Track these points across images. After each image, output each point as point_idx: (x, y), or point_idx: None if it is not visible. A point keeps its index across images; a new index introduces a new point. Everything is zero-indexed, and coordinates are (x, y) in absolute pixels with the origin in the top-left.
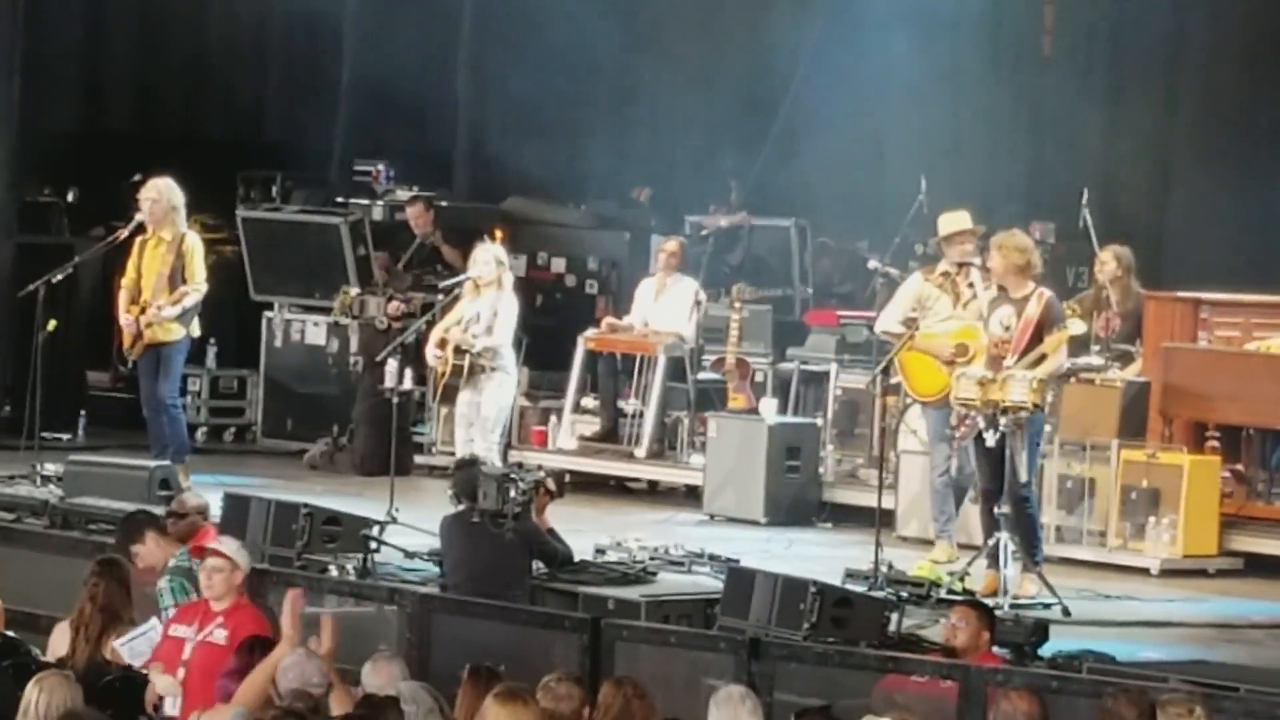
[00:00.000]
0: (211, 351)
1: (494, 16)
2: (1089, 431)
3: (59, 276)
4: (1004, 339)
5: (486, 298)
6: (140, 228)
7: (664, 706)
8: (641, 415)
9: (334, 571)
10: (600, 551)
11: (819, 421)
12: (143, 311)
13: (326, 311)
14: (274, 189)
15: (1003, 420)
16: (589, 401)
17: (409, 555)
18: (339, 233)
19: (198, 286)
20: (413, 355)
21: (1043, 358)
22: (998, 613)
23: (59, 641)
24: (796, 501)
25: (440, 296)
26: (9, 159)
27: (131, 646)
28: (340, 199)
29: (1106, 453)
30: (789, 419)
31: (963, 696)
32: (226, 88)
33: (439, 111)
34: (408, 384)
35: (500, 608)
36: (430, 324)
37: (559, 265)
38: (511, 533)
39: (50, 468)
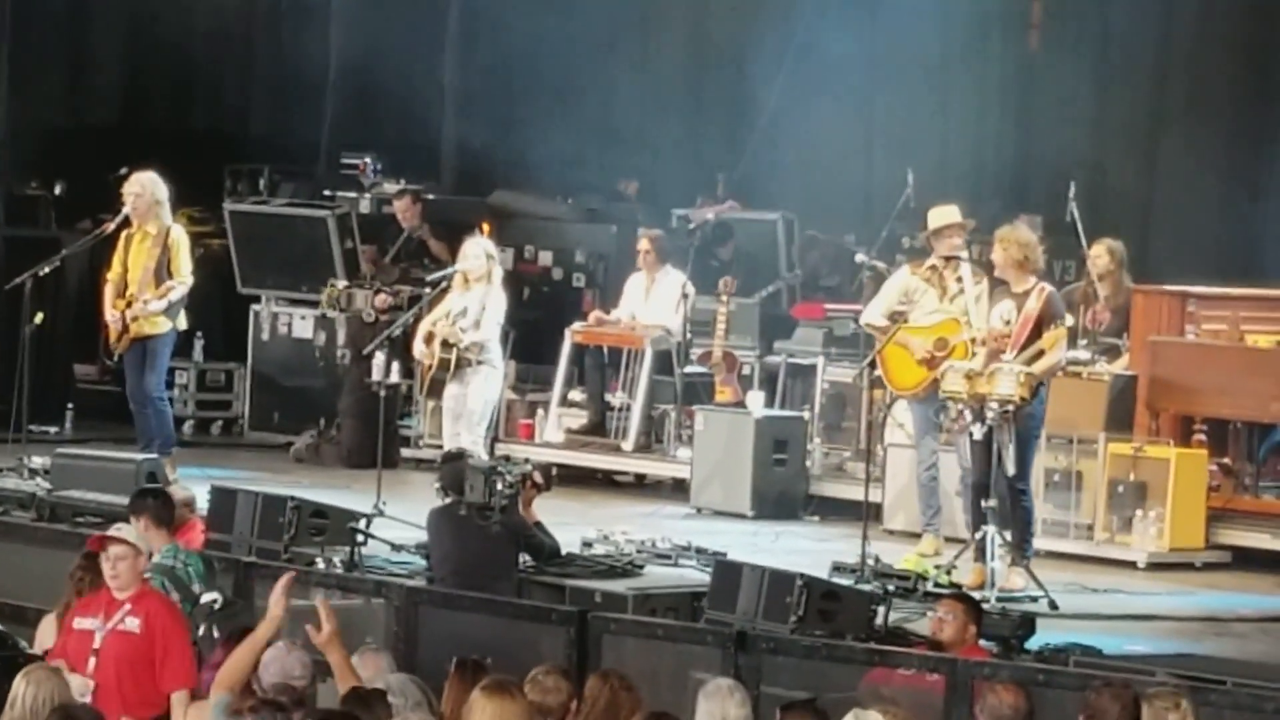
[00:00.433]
0: (199, 345)
1: (481, 10)
2: (1076, 425)
3: (46, 270)
4: (1003, 333)
5: (475, 292)
6: (126, 221)
7: (651, 699)
8: (628, 408)
9: (321, 564)
10: (587, 545)
11: (806, 415)
12: (129, 305)
13: (314, 305)
14: (261, 182)
15: (989, 413)
16: (576, 395)
17: (396, 548)
18: (326, 226)
19: (184, 280)
20: (400, 348)
21: (1040, 353)
22: (985, 606)
23: (46, 634)
24: (783, 495)
25: (427, 290)
26: None
27: None
28: (327, 192)
29: (1094, 446)
30: (776, 412)
31: (949, 690)
32: (213, 81)
33: (426, 105)
34: (395, 377)
35: (487, 601)
36: (418, 317)
37: (546, 258)
38: (498, 526)
39: (37, 461)
